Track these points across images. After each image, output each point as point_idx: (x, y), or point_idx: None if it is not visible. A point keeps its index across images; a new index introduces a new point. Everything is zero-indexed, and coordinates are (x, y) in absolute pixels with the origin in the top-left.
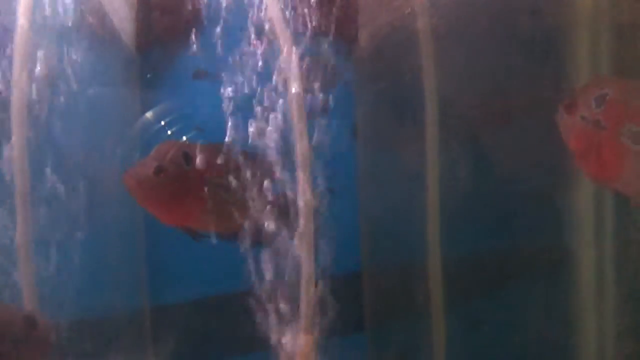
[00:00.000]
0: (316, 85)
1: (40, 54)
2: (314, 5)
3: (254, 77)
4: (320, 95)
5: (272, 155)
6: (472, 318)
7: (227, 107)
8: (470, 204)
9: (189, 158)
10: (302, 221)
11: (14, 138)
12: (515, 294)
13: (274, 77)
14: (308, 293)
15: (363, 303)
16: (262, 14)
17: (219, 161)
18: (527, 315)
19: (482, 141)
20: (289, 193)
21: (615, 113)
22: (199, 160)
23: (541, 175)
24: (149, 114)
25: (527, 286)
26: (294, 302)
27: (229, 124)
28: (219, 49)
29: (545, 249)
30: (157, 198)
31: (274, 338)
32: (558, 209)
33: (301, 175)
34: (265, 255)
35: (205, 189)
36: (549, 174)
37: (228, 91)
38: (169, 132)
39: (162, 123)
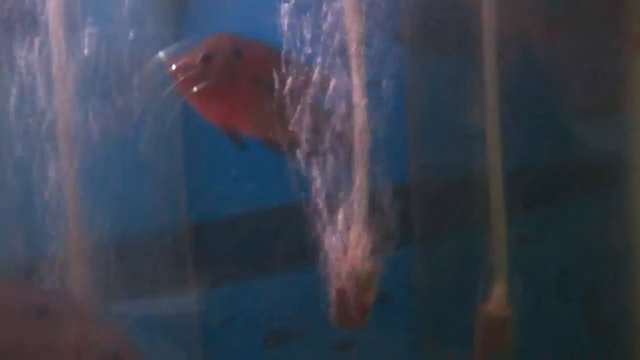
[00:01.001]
0: None
1: None
2: None
3: None
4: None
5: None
6: (531, 232)
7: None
8: (529, 113)
9: (239, 52)
10: (356, 131)
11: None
12: (575, 208)
13: None
14: (361, 205)
15: (410, 216)
16: None
17: (273, 64)
18: (585, 230)
19: (541, 49)
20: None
21: None
22: (250, 56)
23: (601, 88)
24: (161, 54)
25: (586, 200)
26: (345, 214)
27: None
28: None
29: (606, 163)
30: (201, 89)
31: (324, 252)
32: (618, 123)
33: (355, 84)
34: (314, 167)
35: (255, 89)
36: (608, 87)
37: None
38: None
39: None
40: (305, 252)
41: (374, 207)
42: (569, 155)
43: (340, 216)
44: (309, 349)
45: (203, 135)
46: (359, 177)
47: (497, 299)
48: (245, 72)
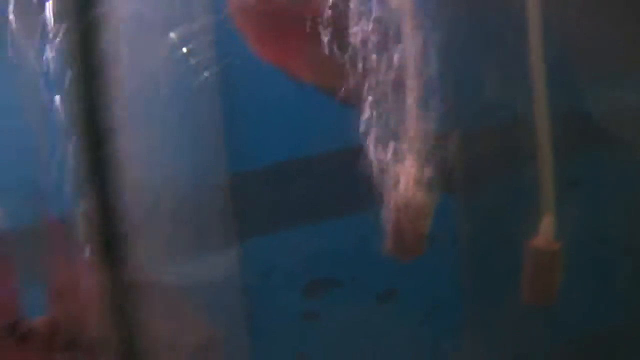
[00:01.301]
0: None
1: None
2: None
3: None
4: None
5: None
6: (575, 177)
7: None
8: (573, 57)
9: None
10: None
11: None
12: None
13: None
14: (414, 141)
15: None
16: None
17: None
18: (630, 177)
19: None
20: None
21: None
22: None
23: None
24: (173, 34)
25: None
26: (399, 149)
27: None
28: None
29: None
30: (255, 24)
31: (378, 185)
32: None
33: (407, 30)
34: (367, 110)
35: (312, 33)
36: None
37: None
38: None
39: (185, 50)
40: (352, 198)
41: (426, 144)
42: (615, 100)
43: (394, 152)
44: (351, 298)
45: (243, 83)
46: (412, 117)
47: (545, 233)
48: (301, 16)
